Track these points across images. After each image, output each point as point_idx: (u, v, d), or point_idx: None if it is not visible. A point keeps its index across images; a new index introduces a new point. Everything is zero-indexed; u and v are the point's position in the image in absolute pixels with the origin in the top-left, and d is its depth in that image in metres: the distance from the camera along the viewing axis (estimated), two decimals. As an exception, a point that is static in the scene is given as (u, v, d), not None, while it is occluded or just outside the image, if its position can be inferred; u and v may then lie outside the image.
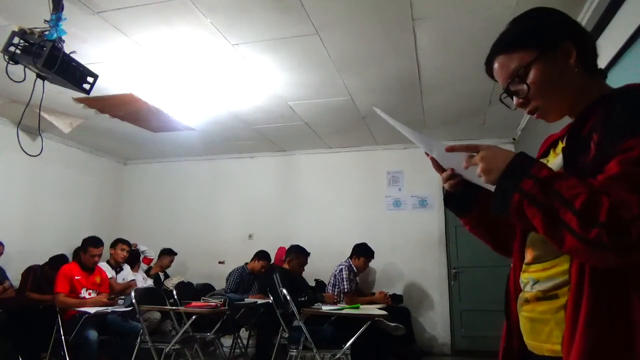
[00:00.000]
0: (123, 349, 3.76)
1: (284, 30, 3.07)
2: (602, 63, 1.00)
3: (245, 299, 4.45)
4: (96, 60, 3.42)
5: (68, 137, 5.39)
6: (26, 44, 2.40)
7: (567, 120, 1.02)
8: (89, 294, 4.09)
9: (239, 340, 4.83)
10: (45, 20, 2.45)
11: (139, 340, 3.60)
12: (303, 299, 3.71)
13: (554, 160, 0.98)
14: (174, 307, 4.02)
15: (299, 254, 4.44)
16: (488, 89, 4.01)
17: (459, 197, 1.09)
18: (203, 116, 4.78)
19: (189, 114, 4.71)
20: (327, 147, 6.06)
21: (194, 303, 3.83)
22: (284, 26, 3.02)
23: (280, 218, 6.11)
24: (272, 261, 5.32)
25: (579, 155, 0.86)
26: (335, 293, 4.67)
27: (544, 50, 0.94)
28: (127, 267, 4.94)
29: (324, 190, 6.06)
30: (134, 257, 5.16)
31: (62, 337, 3.72)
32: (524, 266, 1.00)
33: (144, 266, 5.46)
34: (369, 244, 4.94)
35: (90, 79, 2.70)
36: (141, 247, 5.47)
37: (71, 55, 2.53)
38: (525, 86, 0.96)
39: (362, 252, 4.88)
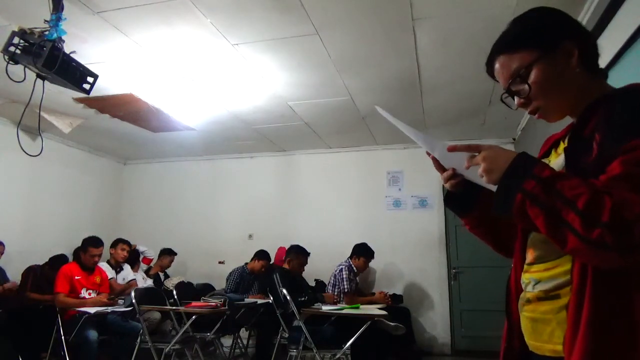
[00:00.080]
0: (123, 349, 3.76)
1: (284, 30, 3.07)
2: (602, 63, 1.00)
3: (245, 299, 4.45)
4: (96, 60, 3.42)
5: (68, 137, 5.39)
6: (26, 44, 2.40)
7: (567, 121, 1.02)
8: (89, 294, 4.09)
9: (239, 340, 4.83)
10: (45, 20, 2.45)
11: (139, 340, 3.60)
12: (303, 299, 3.71)
13: (556, 161, 0.98)
14: (174, 307, 4.02)
15: (299, 254, 4.44)
16: (488, 89, 4.01)
17: (460, 197, 1.09)
18: (203, 116, 4.78)
19: (189, 114, 4.71)
20: (327, 147, 6.06)
21: (194, 303, 3.83)
22: (284, 26, 3.02)
23: (280, 218, 6.11)
24: (272, 261, 5.32)
25: (581, 156, 0.86)
26: (335, 293, 4.67)
27: (546, 50, 0.94)
28: (127, 267, 4.94)
29: (324, 190, 6.06)
30: (133, 257, 5.16)
31: (62, 337, 3.72)
32: (525, 266, 1.00)
33: (143, 266, 5.46)
34: (369, 244, 4.94)
35: (90, 79, 2.70)
36: (141, 248, 5.46)
37: (71, 55, 2.53)
38: (526, 86, 0.96)
39: (362, 252, 4.88)
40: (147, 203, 6.65)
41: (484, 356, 4.89)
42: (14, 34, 2.39)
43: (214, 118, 4.84)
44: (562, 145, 0.99)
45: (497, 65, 1.01)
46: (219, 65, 3.59)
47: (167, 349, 3.57)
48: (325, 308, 3.78)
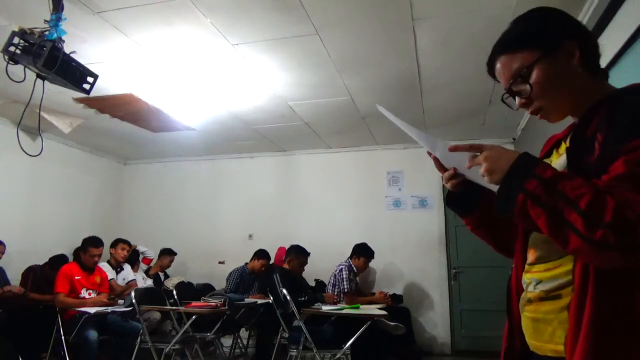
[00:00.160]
0: (123, 349, 3.76)
1: (284, 30, 3.07)
2: (602, 63, 1.00)
3: (245, 299, 4.45)
4: (96, 60, 3.42)
5: (68, 137, 5.39)
6: (26, 44, 2.40)
7: (568, 121, 1.02)
8: (89, 294, 4.09)
9: (239, 340, 4.83)
10: (45, 20, 2.45)
11: (139, 340, 3.60)
12: (303, 299, 3.71)
13: (557, 161, 0.97)
14: (174, 307, 4.02)
15: (299, 254, 4.44)
16: (488, 89, 4.01)
17: (461, 197, 1.09)
18: (203, 116, 4.78)
19: (189, 114, 4.71)
20: (327, 147, 6.06)
21: (194, 303, 3.83)
22: (284, 26, 3.02)
23: (280, 218, 6.11)
24: (272, 261, 5.33)
25: (583, 156, 0.86)
26: (335, 293, 4.67)
27: (547, 50, 0.94)
28: (127, 267, 4.94)
29: (324, 190, 6.06)
30: (133, 258, 5.16)
31: (62, 337, 3.72)
32: (526, 266, 1.00)
33: (143, 266, 5.46)
34: (369, 244, 4.94)
35: (90, 79, 2.70)
36: (141, 248, 5.46)
37: (71, 55, 2.53)
38: (528, 86, 0.96)
39: (362, 252, 4.88)
40: (147, 203, 6.65)
41: (484, 356, 4.90)
42: (14, 34, 2.39)
43: (214, 118, 4.84)
44: (563, 146, 0.99)
45: (498, 66, 1.01)
46: (219, 65, 3.58)
47: (167, 349, 3.57)
48: (325, 308, 3.78)
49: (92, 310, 3.65)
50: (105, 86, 3.89)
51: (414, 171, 5.76)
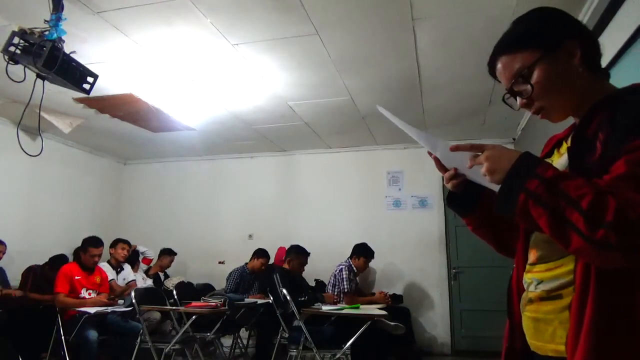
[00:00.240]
0: (123, 349, 3.76)
1: (284, 30, 3.07)
2: (602, 63, 1.00)
3: (245, 299, 4.45)
4: (96, 60, 3.42)
5: (68, 137, 5.39)
6: (26, 44, 2.39)
7: (569, 121, 1.02)
8: (89, 294, 4.08)
9: (239, 340, 4.83)
10: (45, 20, 2.44)
11: (139, 340, 3.60)
12: (303, 299, 3.71)
13: (559, 160, 0.97)
14: (174, 307, 4.02)
15: (299, 254, 4.44)
16: (488, 89, 4.01)
17: (462, 197, 1.08)
18: (203, 116, 4.78)
19: (189, 114, 4.71)
20: (327, 147, 6.06)
21: (194, 303, 3.83)
22: (284, 26, 3.02)
23: (280, 218, 6.11)
24: (272, 261, 5.33)
25: (585, 155, 0.86)
26: (335, 293, 4.67)
27: (548, 50, 0.94)
28: (127, 267, 4.94)
29: (324, 190, 6.06)
30: (133, 258, 5.16)
31: (62, 337, 3.72)
32: (527, 266, 0.99)
33: (143, 266, 5.46)
34: (369, 244, 4.94)
35: (90, 79, 2.70)
36: (141, 248, 5.46)
37: (71, 55, 2.53)
38: (529, 86, 0.96)
39: (362, 252, 4.88)
40: (147, 203, 6.65)
41: (484, 356, 4.90)
42: (14, 34, 2.39)
43: (214, 118, 4.84)
44: (564, 145, 0.99)
45: (499, 66, 1.01)
46: (219, 65, 3.58)
47: (167, 349, 3.57)
48: (325, 308, 3.78)
49: (92, 310, 3.65)
50: (105, 86, 3.89)
51: (414, 171, 5.76)
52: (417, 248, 5.62)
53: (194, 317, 3.68)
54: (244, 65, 3.57)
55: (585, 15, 2.69)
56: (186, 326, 3.72)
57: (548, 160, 1.02)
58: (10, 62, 2.40)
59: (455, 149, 0.97)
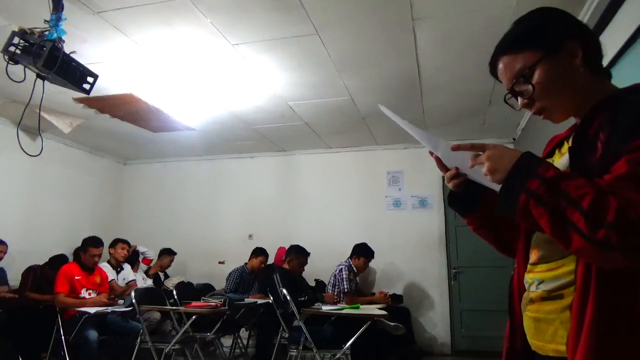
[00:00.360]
0: (123, 349, 3.76)
1: (284, 30, 3.07)
2: (602, 63, 1.00)
3: (245, 299, 4.45)
4: (96, 60, 3.42)
5: (68, 137, 5.39)
6: (26, 44, 2.39)
7: (569, 121, 1.02)
8: (89, 294, 4.08)
9: (239, 340, 4.83)
10: (45, 20, 2.44)
11: (139, 340, 3.60)
12: (303, 299, 3.71)
13: (560, 160, 0.98)
14: (174, 307, 4.02)
15: (299, 254, 4.44)
16: (488, 89, 4.01)
17: (463, 197, 1.08)
18: (203, 116, 4.78)
19: (189, 114, 4.71)
20: (327, 147, 6.06)
21: (194, 303, 3.82)
22: (284, 26, 3.02)
23: (280, 218, 6.11)
24: (272, 261, 5.33)
25: (586, 155, 0.86)
26: (335, 293, 4.67)
27: (549, 50, 0.94)
28: (127, 267, 4.94)
29: (324, 190, 6.06)
30: (133, 258, 5.16)
31: (62, 337, 3.72)
32: (528, 266, 0.99)
33: (143, 266, 5.46)
34: (369, 244, 4.94)
35: (90, 79, 2.70)
36: (141, 249, 5.46)
37: (71, 55, 2.53)
38: (530, 87, 0.95)
39: (362, 252, 4.88)
40: (147, 203, 6.65)
41: (484, 356, 4.90)
42: (14, 34, 2.39)
43: (214, 118, 4.84)
44: (566, 145, 0.99)
45: (500, 66, 1.01)
46: (219, 65, 3.58)
47: (167, 349, 3.57)
48: (325, 308, 3.78)
49: (92, 310, 3.65)
50: (105, 86, 3.89)
51: (414, 171, 5.76)
52: (417, 248, 5.62)
53: (194, 317, 3.68)
54: (244, 65, 3.57)
55: (585, 15, 2.69)
56: (186, 326, 3.72)
57: (549, 160, 1.02)
58: (10, 62, 2.40)
59: (456, 148, 0.97)
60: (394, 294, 5.11)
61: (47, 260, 4.64)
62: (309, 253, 4.56)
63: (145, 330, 3.60)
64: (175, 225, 6.40)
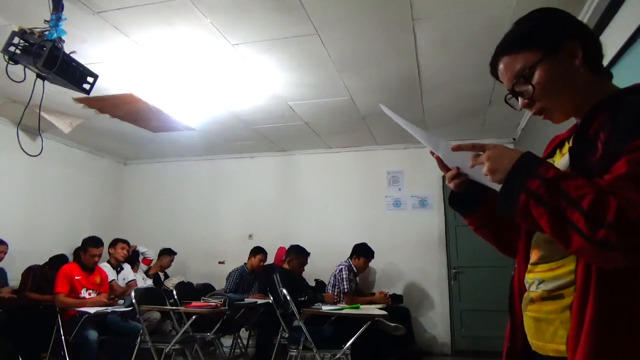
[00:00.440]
0: (123, 349, 3.76)
1: (284, 30, 3.07)
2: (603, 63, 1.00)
3: (245, 299, 4.45)
4: (96, 60, 3.42)
5: (68, 137, 5.39)
6: (26, 44, 2.40)
7: (570, 122, 1.02)
8: (89, 294, 4.08)
9: (239, 340, 4.83)
10: (45, 20, 2.45)
11: (139, 340, 3.60)
12: (303, 299, 3.71)
13: (560, 161, 0.98)
14: (174, 307, 4.02)
15: (299, 254, 4.44)
16: (488, 89, 4.01)
17: (464, 197, 1.09)
18: (203, 116, 4.78)
19: (189, 114, 4.71)
20: (327, 147, 6.06)
21: (194, 303, 3.83)
22: (284, 26, 3.02)
23: (280, 218, 6.11)
24: (272, 261, 5.32)
25: (586, 155, 0.86)
26: (335, 293, 4.67)
27: (549, 51, 0.94)
28: (127, 267, 4.94)
29: (324, 190, 6.06)
30: (133, 258, 5.16)
31: (62, 337, 3.72)
32: (529, 266, 1.00)
33: (143, 266, 5.45)
34: (369, 244, 4.94)
35: (90, 79, 2.70)
36: (141, 249, 5.46)
37: (71, 55, 2.53)
38: (530, 87, 0.96)
39: (362, 252, 4.88)
40: (147, 203, 6.65)
41: (484, 356, 4.90)
42: (14, 34, 2.39)
43: (214, 118, 4.84)
44: (566, 146, 0.99)
45: (500, 66, 1.01)
46: (219, 65, 3.58)
47: (167, 349, 3.57)
48: (325, 308, 3.78)
49: (92, 310, 3.65)
50: (105, 86, 3.89)
51: (414, 171, 5.76)
52: (417, 248, 5.62)
53: (194, 317, 3.68)
54: (244, 65, 3.57)
55: (586, 15, 2.69)
56: (186, 326, 3.72)
57: (550, 160, 1.02)
58: (10, 62, 2.41)
59: (457, 148, 0.97)
60: (394, 294, 5.12)
61: (47, 260, 4.64)
62: (309, 253, 4.55)
63: (145, 330, 3.60)
64: (175, 225, 6.40)
